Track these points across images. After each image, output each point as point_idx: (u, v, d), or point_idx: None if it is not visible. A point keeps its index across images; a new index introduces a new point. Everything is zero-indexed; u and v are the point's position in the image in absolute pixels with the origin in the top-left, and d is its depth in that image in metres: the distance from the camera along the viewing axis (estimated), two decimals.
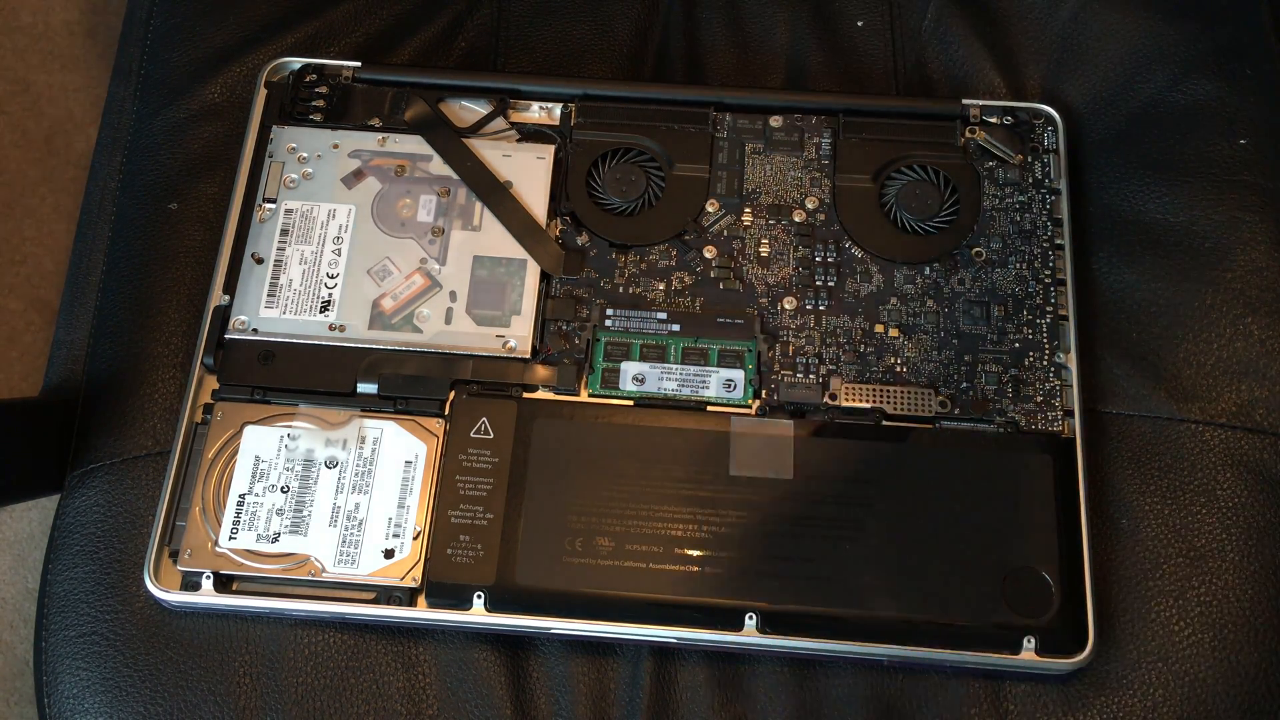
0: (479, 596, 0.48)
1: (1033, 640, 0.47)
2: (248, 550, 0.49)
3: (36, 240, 0.92)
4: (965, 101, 0.57)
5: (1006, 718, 0.49)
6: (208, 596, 0.49)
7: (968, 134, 0.56)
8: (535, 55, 0.61)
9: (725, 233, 0.55)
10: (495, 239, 0.54)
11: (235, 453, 0.51)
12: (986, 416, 0.51)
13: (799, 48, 0.61)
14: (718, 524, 0.49)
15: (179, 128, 0.60)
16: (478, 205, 0.55)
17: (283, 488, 0.50)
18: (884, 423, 0.51)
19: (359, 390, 0.52)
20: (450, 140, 0.56)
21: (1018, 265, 0.54)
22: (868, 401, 0.51)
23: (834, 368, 0.52)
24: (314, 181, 0.55)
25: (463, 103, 0.58)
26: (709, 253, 0.54)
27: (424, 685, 0.50)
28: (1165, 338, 0.54)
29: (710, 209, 0.55)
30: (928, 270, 0.54)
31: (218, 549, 0.49)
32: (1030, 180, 0.55)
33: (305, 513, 0.50)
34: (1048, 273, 0.54)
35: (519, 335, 0.52)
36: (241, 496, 0.50)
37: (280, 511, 0.50)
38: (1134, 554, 0.50)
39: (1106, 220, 0.56)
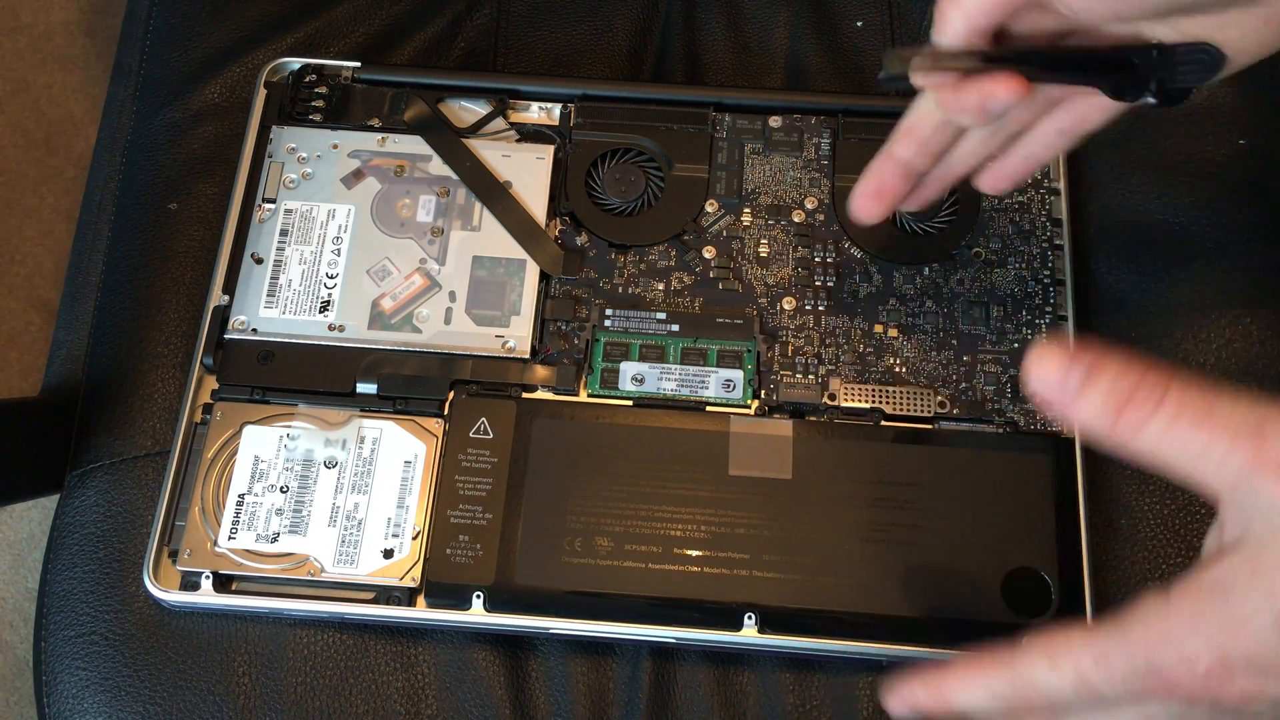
0: (478, 596, 0.48)
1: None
2: (247, 550, 0.49)
3: (36, 240, 0.92)
4: None
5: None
6: (207, 596, 0.49)
7: None
8: (535, 55, 0.61)
9: (724, 233, 0.55)
10: (494, 239, 0.54)
11: (235, 453, 0.51)
12: (986, 416, 0.51)
13: (798, 48, 0.61)
14: (717, 524, 0.49)
15: (179, 128, 0.60)
16: (477, 205, 0.55)
17: (282, 488, 0.50)
18: (883, 423, 0.51)
19: (358, 390, 0.52)
20: (450, 140, 0.56)
21: (1017, 265, 0.54)
22: (867, 402, 0.51)
23: (833, 368, 0.52)
24: (313, 182, 0.55)
25: (462, 103, 0.58)
26: (708, 253, 0.54)
27: (423, 685, 0.50)
28: (1164, 338, 0.54)
29: (709, 209, 0.55)
30: (927, 271, 0.54)
31: (217, 549, 0.49)
32: (1029, 180, 0.55)
33: (304, 513, 0.50)
34: (1047, 273, 0.54)
35: (518, 335, 0.52)
36: (241, 496, 0.50)
37: (279, 511, 0.50)
38: (1133, 554, 0.50)
39: (1106, 220, 0.56)
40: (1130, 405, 0.32)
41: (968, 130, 0.45)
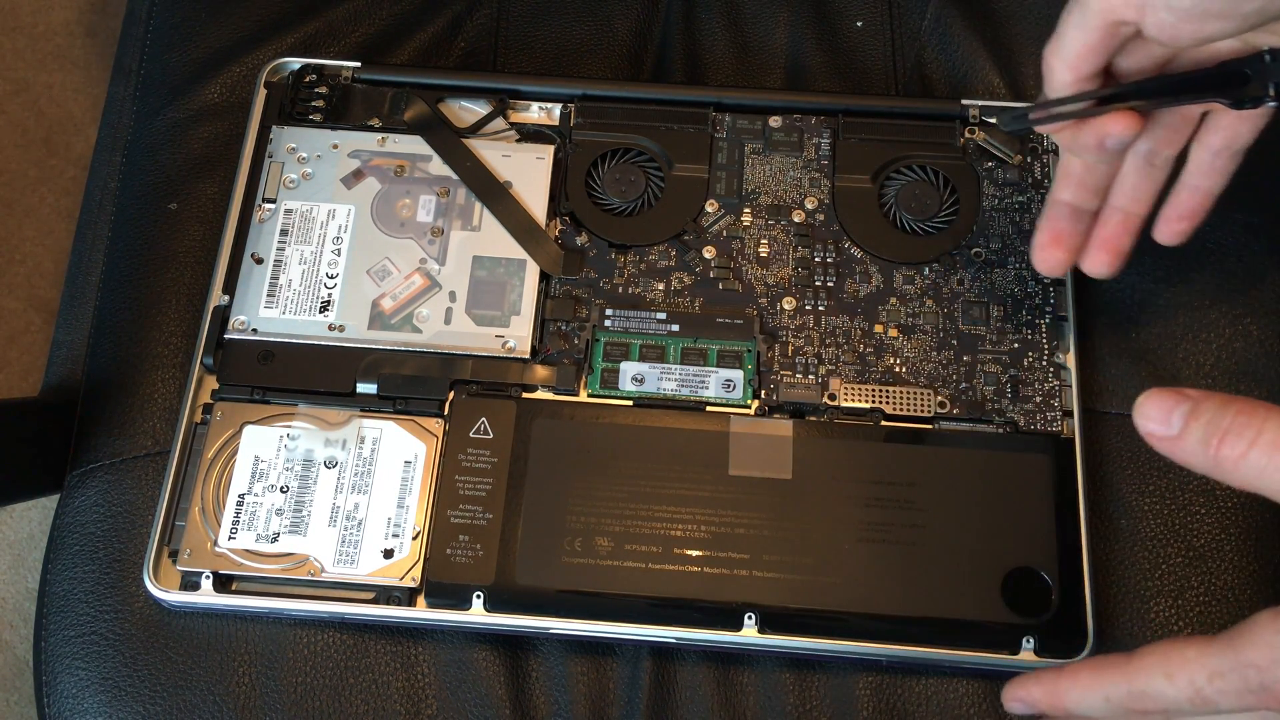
0: (478, 596, 0.48)
1: (1032, 640, 0.47)
2: (247, 550, 0.49)
3: (36, 240, 0.92)
4: (964, 102, 0.57)
5: (1006, 718, 0.49)
6: (207, 596, 0.49)
7: (967, 134, 0.56)
8: (535, 55, 0.61)
9: (725, 233, 0.55)
10: (495, 239, 0.54)
11: (235, 453, 0.51)
12: (986, 416, 0.51)
13: (798, 48, 0.61)
14: (717, 524, 0.49)
15: (179, 128, 0.60)
16: (477, 205, 0.55)
17: (282, 488, 0.50)
18: (883, 423, 0.51)
19: (358, 390, 0.52)
20: (450, 140, 0.56)
21: (1017, 265, 0.54)
22: (867, 402, 0.51)
23: (833, 368, 0.52)
24: (313, 182, 0.55)
25: (462, 103, 0.58)
26: (708, 253, 0.54)
27: (423, 685, 0.50)
28: (1164, 338, 0.54)
29: (710, 209, 0.55)
30: (927, 270, 0.54)
31: (217, 549, 0.49)
32: (1029, 180, 0.55)
33: (304, 513, 0.50)
34: None
35: (518, 335, 0.52)
36: (241, 496, 0.50)
37: (279, 511, 0.50)
38: (1133, 554, 0.50)
39: None
40: (1228, 438, 0.34)
41: (1121, 165, 0.46)
